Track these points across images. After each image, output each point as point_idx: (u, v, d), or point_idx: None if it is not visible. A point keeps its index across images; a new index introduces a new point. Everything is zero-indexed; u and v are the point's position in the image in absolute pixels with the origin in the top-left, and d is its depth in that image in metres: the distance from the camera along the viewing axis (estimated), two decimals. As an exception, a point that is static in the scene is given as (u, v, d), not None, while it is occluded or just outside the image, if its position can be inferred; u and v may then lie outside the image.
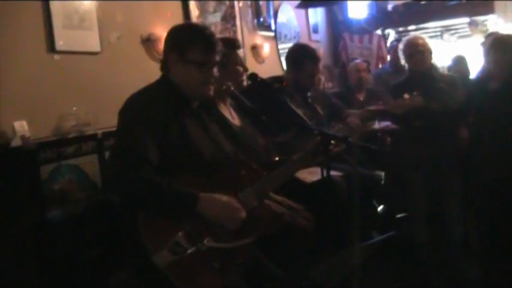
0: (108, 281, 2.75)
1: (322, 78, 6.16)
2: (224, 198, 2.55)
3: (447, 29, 9.51)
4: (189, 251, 2.36)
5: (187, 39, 2.69)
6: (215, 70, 2.76)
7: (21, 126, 3.17)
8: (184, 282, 2.31)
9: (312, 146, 2.99)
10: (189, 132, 2.63)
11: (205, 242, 2.41)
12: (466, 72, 6.45)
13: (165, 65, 2.76)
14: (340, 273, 2.45)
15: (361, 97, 6.08)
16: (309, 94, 4.55)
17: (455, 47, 9.26)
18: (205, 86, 2.74)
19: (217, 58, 2.75)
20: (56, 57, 3.57)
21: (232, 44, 3.60)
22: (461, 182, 4.47)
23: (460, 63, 6.68)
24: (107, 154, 3.66)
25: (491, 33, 6.36)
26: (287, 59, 4.64)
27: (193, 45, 2.67)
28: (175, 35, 2.76)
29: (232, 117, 3.52)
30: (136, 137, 2.45)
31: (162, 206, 2.40)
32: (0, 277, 2.88)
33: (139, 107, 2.58)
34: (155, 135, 2.48)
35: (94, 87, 3.80)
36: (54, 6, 3.54)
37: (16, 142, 3.10)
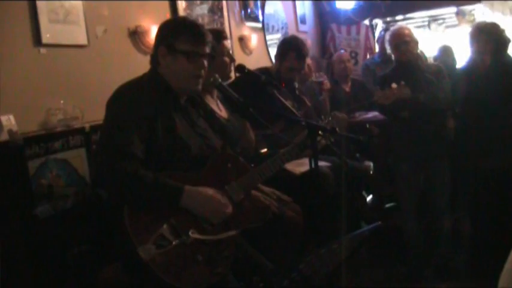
0: (97, 276, 2.75)
1: (310, 72, 6.14)
2: (209, 191, 2.56)
3: (434, 18, 9.50)
4: (173, 244, 2.36)
5: (176, 30, 2.70)
6: (205, 63, 2.76)
7: (8, 121, 3.14)
8: (169, 275, 2.32)
9: (300, 140, 3.00)
10: (176, 127, 2.63)
11: (190, 233, 2.41)
12: (453, 62, 6.47)
13: (154, 59, 2.75)
14: (328, 264, 2.46)
15: (346, 88, 6.10)
16: (296, 86, 4.56)
17: (442, 36, 9.25)
18: (195, 79, 2.74)
19: (207, 50, 2.75)
20: (43, 50, 3.54)
21: (219, 35, 3.59)
22: (449, 171, 4.50)
23: (446, 53, 6.70)
24: (95, 148, 3.66)
25: (478, 23, 6.38)
26: (276, 49, 4.64)
27: (182, 36, 2.67)
28: (164, 28, 2.77)
29: (220, 109, 3.52)
30: (122, 131, 2.45)
31: (147, 199, 2.41)
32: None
33: (126, 100, 2.58)
34: (141, 130, 2.49)
35: (81, 80, 3.78)
36: (40, 1, 3.51)
37: (3, 136, 3.08)
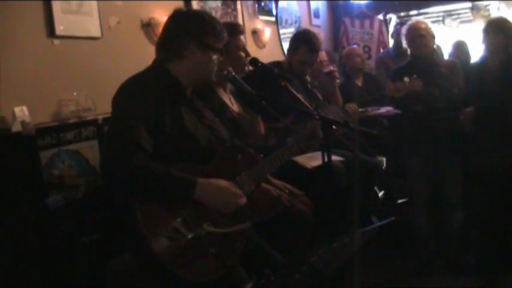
0: (107, 266, 2.75)
1: (323, 67, 6.12)
2: (222, 183, 2.56)
3: (449, 13, 9.45)
4: (187, 237, 2.36)
5: (206, 26, 2.73)
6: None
7: (22, 112, 3.16)
8: (182, 268, 2.32)
9: (307, 130, 2.99)
10: (183, 119, 2.63)
11: (204, 227, 2.41)
12: (467, 57, 6.43)
13: (173, 50, 2.73)
14: (340, 258, 2.45)
15: (358, 82, 6.07)
16: (308, 79, 4.54)
17: (457, 32, 9.20)
18: (214, 72, 2.83)
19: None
20: (56, 42, 3.55)
21: (235, 28, 3.59)
22: (461, 166, 4.47)
23: (460, 48, 6.65)
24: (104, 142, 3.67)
25: (491, 19, 6.34)
26: (289, 42, 4.62)
27: (211, 32, 2.73)
28: (190, 21, 2.75)
29: (231, 103, 3.52)
30: (130, 125, 2.45)
31: (159, 191, 2.41)
32: (1, 262, 2.89)
33: (132, 94, 2.58)
34: (149, 123, 2.49)
35: (94, 72, 3.78)
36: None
37: (16, 127, 3.10)
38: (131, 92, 2.60)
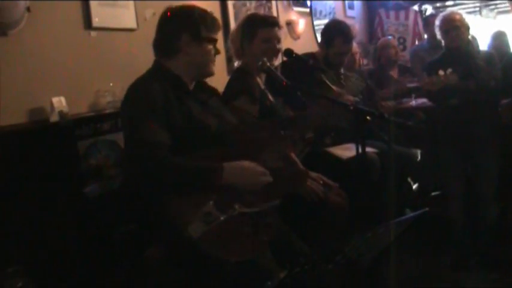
0: (143, 255, 2.79)
1: (357, 57, 6.09)
2: (246, 163, 2.57)
3: (486, 4, 9.32)
4: (221, 219, 2.38)
5: (198, 18, 2.76)
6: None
7: (60, 102, 3.20)
8: (219, 249, 2.34)
9: (323, 107, 3.00)
10: (191, 111, 2.65)
11: (236, 207, 2.43)
12: (507, 48, 6.33)
13: (170, 47, 2.77)
14: (374, 248, 2.45)
15: (394, 74, 6.02)
16: (342, 71, 4.52)
17: (494, 23, 9.06)
18: (213, 64, 2.85)
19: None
20: (93, 34, 3.61)
21: (271, 21, 3.59)
22: (497, 160, 4.42)
23: (500, 39, 6.54)
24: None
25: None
26: (321, 34, 4.61)
27: (205, 23, 2.76)
28: (181, 16, 2.79)
29: (267, 93, 3.53)
30: (145, 124, 2.46)
31: (188, 184, 2.42)
32: (40, 249, 2.95)
33: (139, 95, 2.59)
34: (161, 118, 2.51)
35: (130, 63, 3.81)
36: (91, -16, 3.56)
37: (54, 118, 3.15)
38: (138, 93, 2.61)
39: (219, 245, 2.35)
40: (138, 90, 2.64)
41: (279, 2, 6.10)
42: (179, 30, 2.74)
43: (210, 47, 2.79)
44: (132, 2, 3.89)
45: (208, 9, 3.85)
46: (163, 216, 2.41)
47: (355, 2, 8.36)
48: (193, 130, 2.62)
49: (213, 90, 3.03)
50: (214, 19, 2.84)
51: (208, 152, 2.59)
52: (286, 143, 2.82)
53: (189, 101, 2.71)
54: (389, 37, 6.98)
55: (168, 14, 2.83)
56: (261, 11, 5.56)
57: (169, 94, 2.62)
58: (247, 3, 5.27)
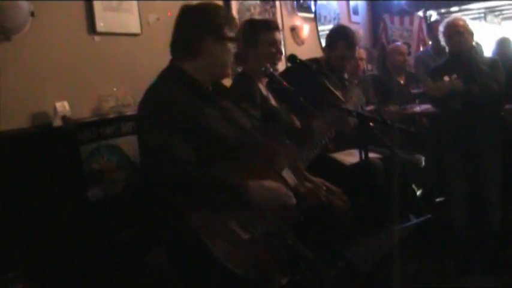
0: (145, 259, 2.79)
1: (361, 64, 6.09)
2: (272, 184, 2.54)
3: (491, 10, 9.31)
4: (243, 238, 2.36)
5: (222, 18, 2.69)
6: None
7: (63, 107, 3.21)
8: (243, 268, 2.31)
9: (329, 116, 2.99)
10: (209, 119, 2.59)
11: (258, 226, 2.41)
12: (511, 54, 6.32)
13: (189, 48, 2.66)
14: (376, 254, 2.45)
15: (401, 80, 6.01)
16: (346, 77, 4.52)
17: (499, 29, 9.05)
18: (230, 63, 2.81)
19: None
20: (97, 38, 3.61)
21: (273, 25, 3.60)
22: (501, 165, 4.41)
23: (504, 45, 6.53)
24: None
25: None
26: (325, 39, 4.62)
27: (227, 23, 2.69)
28: (203, 15, 2.70)
29: (269, 98, 3.53)
30: (171, 140, 2.39)
31: (214, 200, 2.38)
32: (43, 254, 2.95)
33: (163, 106, 2.49)
34: (186, 131, 2.44)
35: (133, 68, 3.83)
36: (95, -12, 3.57)
37: (57, 122, 3.15)
38: (161, 103, 2.51)
39: (243, 263, 2.32)
40: (161, 98, 2.53)
41: (283, 7, 6.10)
42: (203, 31, 2.64)
43: (230, 47, 2.74)
44: (136, 7, 3.90)
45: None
46: (184, 231, 2.36)
47: (359, 8, 8.36)
48: (211, 142, 2.56)
49: (227, 90, 3.00)
50: (233, 17, 2.82)
51: (233, 165, 2.56)
52: (301, 159, 2.80)
53: (208, 108, 2.65)
54: (398, 43, 6.97)
55: (188, 13, 2.74)
56: (266, 16, 5.57)
57: (191, 102, 2.54)
58: (252, 8, 5.28)
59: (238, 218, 2.40)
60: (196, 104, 2.57)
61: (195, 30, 2.65)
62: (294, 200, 2.57)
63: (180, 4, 4.27)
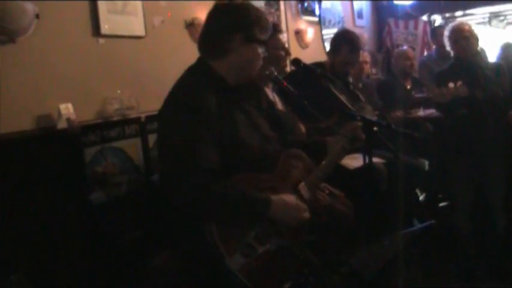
0: (149, 263, 2.78)
1: (366, 68, 6.07)
2: (291, 199, 2.53)
3: (496, 15, 9.27)
4: (259, 252, 2.36)
5: (252, 18, 2.63)
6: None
7: (67, 109, 3.21)
8: (255, 282, 2.31)
9: (347, 131, 2.97)
10: (237, 126, 2.55)
11: (273, 241, 2.41)
12: (515, 59, 6.31)
13: (217, 45, 2.62)
14: (379, 260, 2.44)
15: (408, 85, 5.99)
16: (351, 81, 4.52)
17: (504, 33, 9.02)
18: (258, 66, 2.73)
19: None
20: (101, 41, 3.61)
21: (274, 28, 3.60)
22: (506, 171, 4.40)
23: (508, 50, 6.52)
24: (149, 137, 3.70)
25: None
26: (330, 43, 4.62)
27: (258, 24, 2.63)
28: (235, 14, 2.65)
29: (276, 101, 3.53)
30: (196, 145, 2.33)
31: (236, 214, 2.36)
32: (46, 256, 2.95)
33: (189, 107, 2.41)
34: (212, 136, 2.38)
35: (138, 71, 3.83)
36: (100, -9, 3.58)
37: (62, 124, 3.15)
38: (187, 105, 2.44)
39: (255, 277, 2.32)
40: (191, 98, 2.45)
41: (287, 10, 6.10)
42: (231, 29, 2.60)
43: (260, 50, 2.67)
44: (140, 10, 3.90)
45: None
46: (201, 243, 2.34)
47: (364, 11, 8.36)
48: (236, 150, 2.52)
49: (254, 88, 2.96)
50: (267, 21, 2.71)
51: (253, 176, 2.54)
52: (318, 173, 2.79)
53: (237, 110, 2.62)
54: (405, 47, 6.96)
55: (221, 10, 2.71)
56: (270, 19, 5.56)
57: (217, 99, 2.49)
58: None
59: (256, 232, 2.39)
60: (224, 107, 2.52)
61: (223, 28, 2.62)
62: (308, 214, 2.57)
63: (184, 8, 4.33)
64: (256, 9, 2.71)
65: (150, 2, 3.99)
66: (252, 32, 2.61)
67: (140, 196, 3.49)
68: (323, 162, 2.84)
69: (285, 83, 3.07)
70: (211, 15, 2.71)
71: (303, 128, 3.58)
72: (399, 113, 4.72)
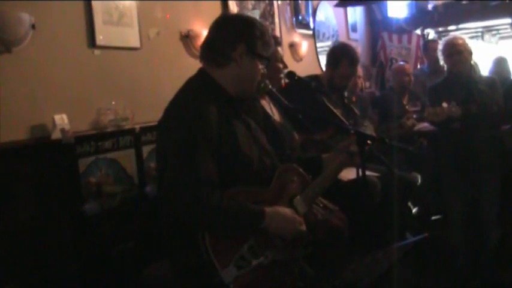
0: (142, 273, 2.78)
1: (360, 82, 6.10)
2: (287, 211, 2.53)
3: (488, 29, 9.36)
4: (253, 264, 2.36)
5: (257, 31, 2.61)
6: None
7: (61, 120, 3.21)
8: None
9: (347, 147, 2.98)
10: (237, 138, 2.53)
11: (267, 254, 2.41)
12: (508, 74, 6.35)
13: (219, 54, 2.60)
14: (372, 273, 2.44)
15: (405, 100, 6.00)
16: (346, 94, 4.54)
17: (496, 48, 9.10)
18: (257, 83, 2.73)
19: None
20: (96, 52, 3.61)
21: (275, 40, 3.62)
22: (499, 184, 4.42)
23: (501, 64, 6.57)
24: (144, 149, 3.69)
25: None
26: (327, 56, 4.62)
27: (262, 39, 2.62)
28: (239, 25, 2.64)
29: (273, 113, 3.54)
30: (198, 158, 2.32)
31: (232, 227, 2.37)
32: (39, 267, 2.94)
33: (194, 120, 2.39)
34: (213, 149, 2.38)
35: (133, 82, 3.84)
36: (95, 3, 3.58)
37: (56, 135, 3.15)
38: (189, 116, 2.41)
39: None
40: (191, 109, 2.43)
41: (282, 23, 6.13)
42: (236, 39, 2.58)
43: (260, 66, 2.66)
44: (136, 21, 3.91)
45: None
46: (195, 255, 2.34)
47: (358, 25, 8.41)
48: (236, 162, 2.50)
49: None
50: (271, 38, 2.70)
51: (249, 190, 2.53)
52: (314, 188, 2.79)
53: (237, 122, 2.60)
54: (402, 62, 6.98)
55: (225, 19, 2.72)
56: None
57: (219, 111, 2.47)
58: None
59: (250, 244, 2.39)
60: (225, 118, 2.50)
61: (228, 36, 2.60)
62: (304, 227, 2.57)
63: (179, 20, 4.35)
64: (262, 25, 2.70)
65: (145, 13, 4.00)
66: (255, 45, 2.60)
67: (134, 207, 3.48)
68: (319, 177, 2.84)
69: (280, 96, 3.08)
70: (217, 24, 2.69)
71: (296, 139, 3.59)
72: (410, 122, 4.70)
